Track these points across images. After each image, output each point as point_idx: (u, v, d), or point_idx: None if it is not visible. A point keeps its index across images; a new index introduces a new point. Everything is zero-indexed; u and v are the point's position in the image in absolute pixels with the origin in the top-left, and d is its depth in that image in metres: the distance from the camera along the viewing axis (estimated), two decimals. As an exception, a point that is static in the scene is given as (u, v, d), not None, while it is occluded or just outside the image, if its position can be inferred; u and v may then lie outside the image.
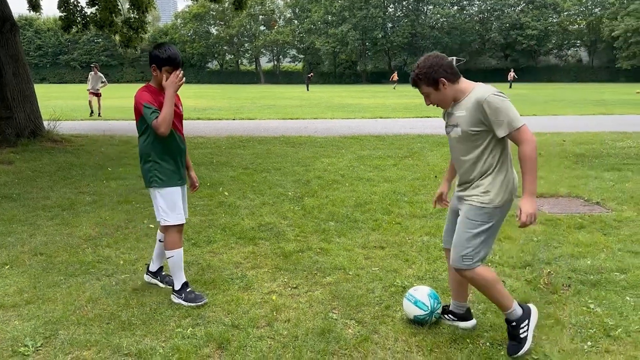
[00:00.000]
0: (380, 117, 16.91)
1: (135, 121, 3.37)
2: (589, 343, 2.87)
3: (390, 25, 73.63)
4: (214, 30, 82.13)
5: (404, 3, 74.85)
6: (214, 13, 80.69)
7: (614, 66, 64.81)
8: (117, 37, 13.98)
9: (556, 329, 3.04)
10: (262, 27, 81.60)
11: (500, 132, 2.67)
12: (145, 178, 3.38)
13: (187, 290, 3.42)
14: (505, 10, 71.89)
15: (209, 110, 20.01)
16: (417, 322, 3.09)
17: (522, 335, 2.77)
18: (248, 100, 28.62)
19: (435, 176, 7.28)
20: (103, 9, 13.06)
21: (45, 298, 3.47)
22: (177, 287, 3.43)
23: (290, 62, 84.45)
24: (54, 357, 2.76)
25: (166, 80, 3.25)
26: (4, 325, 3.11)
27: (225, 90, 47.08)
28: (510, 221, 5.14)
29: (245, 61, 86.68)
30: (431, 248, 4.44)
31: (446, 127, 2.90)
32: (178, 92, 3.37)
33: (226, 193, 6.36)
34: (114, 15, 13.28)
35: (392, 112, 18.79)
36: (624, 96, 28.73)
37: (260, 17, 79.32)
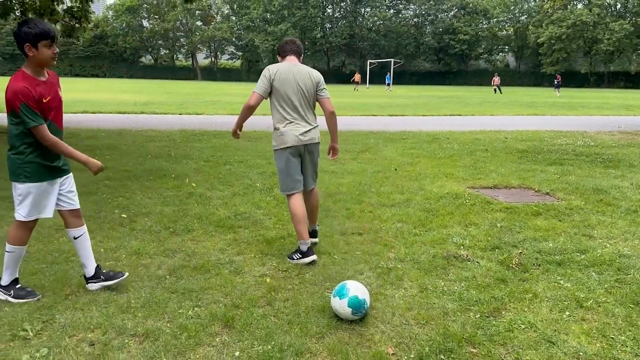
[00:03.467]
0: (328, 115, 17.13)
1: (6, 113, 3.01)
2: (567, 313, 3.15)
3: (329, 25, 74.45)
4: (147, 24, 79.77)
5: (342, 4, 75.87)
6: (147, 6, 78.39)
7: (539, 71, 68.85)
8: (59, 27, 13.35)
9: (535, 301, 3.31)
10: (198, 22, 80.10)
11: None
12: (10, 170, 3.05)
13: (17, 287, 3.19)
14: (439, 15, 74.63)
15: (150, 105, 19.52)
16: (354, 307, 2.96)
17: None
18: (189, 95, 28.11)
19: (395, 169, 7.56)
20: (43, -5, 12.46)
21: (31, 285, 3.36)
22: (5, 283, 3.18)
23: (228, 59, 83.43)
24: (58, 339, 2.72)
25: (44, 55, 2.92)
26: (-6, 312, 3.01)
27: (161, 85, 45.91)
28: (474, 209, 5.48)
29: (181, 56, 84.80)
30: (405, 233, 4.65)
31: None
32: (54, 71, 3.15)
33: (194, 184, 6.32)
34: (55, 3, 12.70)
35: (338, 111, 18.94)
36: (550, 99, 30.64)
37: (197, 12, 77.79)
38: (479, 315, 3.11)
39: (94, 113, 15.86)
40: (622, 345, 2.78)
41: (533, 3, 69.57)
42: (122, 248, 4.12)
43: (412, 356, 2.65)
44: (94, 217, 4.91)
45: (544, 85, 66.37)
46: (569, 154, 9.16)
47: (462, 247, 4.30)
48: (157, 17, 78.25)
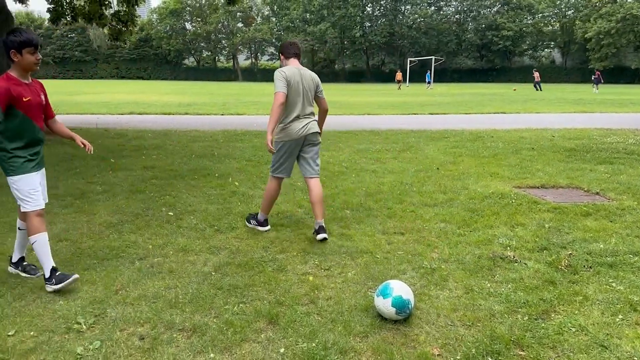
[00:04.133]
0: (368, 114, 17.10)
1: None
2: (620, 316, 3.04)
3: (368, 24, 74.09)
4: (190, 27, 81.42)
5: (382, 2, 75.38)
6: (190, 9, 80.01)
7: (586, 67, 66.45)
8: (106, 31, 13.82)
9: (586, 304, 3.21)
10: (239, 24, 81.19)
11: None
12: (3, 167, 3.33)
13: (57, 274, 3.33)
14: (482, 12, 73.10)
15: (193, 106, 19.93)
16: (398, 307, 2.94)
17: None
18: (230, 96, 28.54)
19: (438, 168, 7.46)
20: (92, 1, 12.90)
21: (83, 280, 3.49)
22: (47, 274, 3.34)
23: (268, 59, 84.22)
24: (110, 332, 2.81)
25: (28, 61, 3.25)
26: (50, 304, 3.14)
27: (203, 86, 46.78)
28: (520, 209, 5.36)
29: (222, 58, 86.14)
30: (449, 233, 4.59)
31: None
32: (39, 79, 3.49)
33: (236, 183, 6.41)
34: (103, 7, 13.15)
35: (379, 110, 19.00)
36: (599, 96, 29.56)
37: (238, 14, 78.87)
38: (527, 318, 3.03)
39: (140, 114, 16.33)
40: (680, 351, 2.66)
41: (580, -3, 67.27)
42: (169, 245, 4.23)
43: (458, 357, 2.61)
44: (141, 215, 5.05)
45: (592, 81, 64.13)
46: (620, 153, 8.82)
47: (508, 248, 4.21)
48: (199, 19, 79.76)
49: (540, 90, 37.72)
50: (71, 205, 5.37)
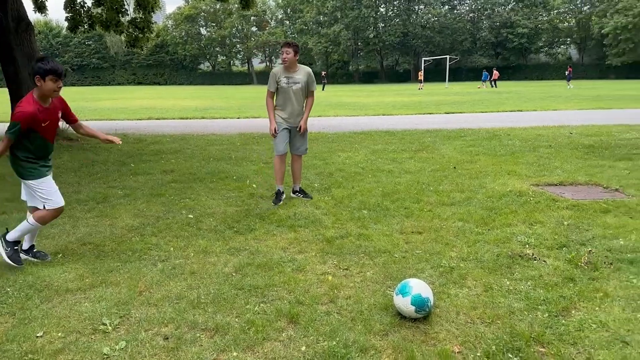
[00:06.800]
0: (383, 115, 17.09)
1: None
2: (641, 312, 3.03)
3: (382, 25, 73.98)
4: (205, 32, 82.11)
5: (395, 3, 75.22)
6: (205, 14, 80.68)
7: (604, 63, 65.54)
8: (123, 37, 14.02)
9: (606, 301, 3.20)
10: (253, 28, 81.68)
11: (311, 88, 5.61)
12: (17, 171, 3.78)
13: (15, 248, 3.86)
14: (496, 9, 72.53)
15: (210, 110, 20.11)
16: (417, 305, 2.95)
17: None
18: (246, 100, 28.72)
19: (454, 167, 7.45)
20: (109, 9, 13.11)
21: (107, 282, 3.58)
22: (9, 239, 3.84)
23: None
24: (135, 333, 2.88)
25: (49, 88, 3.62)
26: (76, 306, 3.22)
27: (219, 90, 47.15)
28: (539, 207, 5.33)
29: (237, 62, 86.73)
30: (467, 232, 4.59)
31: (288, 83, 5.46)
32: (63, 96, 3.93)
33: (254, 185, 6.48)
34: (120, 15, 13.35)
35: (394, 110, 18.98)
36: (617, 92, 29.14)
37: (252, 17, 79.31)
38: (547, 315, 3.03)
39: (158, 119, 16.54)
40: None
41: (597, -8, 66.36)
42: (190, 247, 4.30)
43: (478, 354, 2.62)
44: (162, 217, 5.14)
45: (610, 77, 63.23)
46: (639, 149, 8.71)
47: (527, 246, 4.20)
48: (214, 24, 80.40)
49: (495, 87, 40.30)
50: (93, 209, 5.48)
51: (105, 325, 2.97)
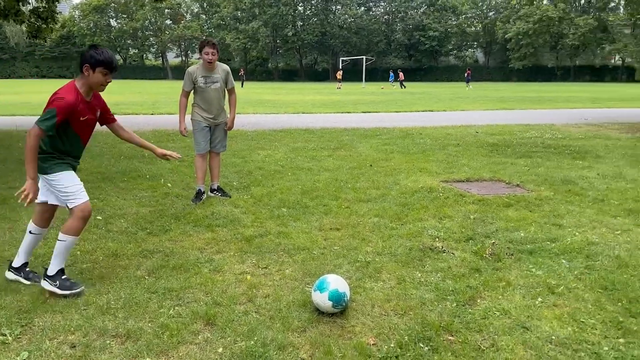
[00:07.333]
0: (303, 113, 17.20)
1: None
2: (539, 299, 3.27)
3: (300, 23, 74.40)
4: (115, 23, 78.45)
5: (313, 2, 75.91)
6: (115, 5, 77.09)
7: (507, 66, 70.06)
8: (24, 28, 13.06)
9: (508, 289, 3.42)
10: (168, 21, 79.14)
11: (230, 86, 5.60)
12: (41, 167, 3.21)
13: (63, 277, 3.28)
14: (409, 12, 75.27)
15: (121, 105, 19.22)
16: (335, 300, 3.00)
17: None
18: (160, 95, 27.79)
19: (371, 165, 7.65)
20: (8, -4, 12.15)
21: (8, 290, 3.33)
22: (52, 272, 3.26)
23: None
24: (39, 342, 2.70)
25: (96, 80, 3.23)
26: (-30, 317, 2.96)
27: (131, 85, 45.21)
28: (447, 202, 5.60)
29: (150, 56, 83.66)
30: (382, 227, 4.73)
31: (206, 82, 5.40)
32: (103, 95, 3.51)
33: (169, 185, 6.29)
34: (20, 3, 12.41)
35: (313, 108, 19.16)
36: (519, 94, 31.26)
37: (166, 10, 76.83)
38: (455, 304, 3.19)
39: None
40: (592, 328, 2.90)
41: (500, -1, 70.78)
42: (99, 250, 4.10)
43: (392, 345, 2.71)
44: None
45: (512, 80, 67.64)
46: (538, 147, 9.40)
47: (437, 239, 4.40)
48: (125, 16, 77.03)
49: (404, 87, 42.91)
50: (-10, 212, 5.06)
51: (5, 335, 2.76)
